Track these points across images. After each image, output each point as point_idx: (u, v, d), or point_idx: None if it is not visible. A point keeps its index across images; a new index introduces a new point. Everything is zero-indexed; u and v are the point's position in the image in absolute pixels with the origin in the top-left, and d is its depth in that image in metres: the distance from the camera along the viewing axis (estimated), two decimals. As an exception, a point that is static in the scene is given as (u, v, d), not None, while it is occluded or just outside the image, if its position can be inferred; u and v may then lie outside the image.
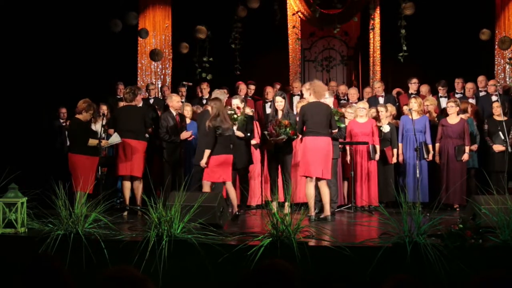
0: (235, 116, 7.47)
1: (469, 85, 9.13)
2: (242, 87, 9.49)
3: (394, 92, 9.81)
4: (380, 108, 8.33)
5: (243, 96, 8.42)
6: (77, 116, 7.19)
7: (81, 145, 7.02)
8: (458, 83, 9.33)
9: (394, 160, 8.14)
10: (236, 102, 7.70)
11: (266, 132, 7.43)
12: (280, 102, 7.44)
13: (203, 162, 6.87)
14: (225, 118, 6.94)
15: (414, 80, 9.48)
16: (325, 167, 6.78)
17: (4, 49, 9.27)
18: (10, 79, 9.36)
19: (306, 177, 6.84)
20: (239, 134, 7.49)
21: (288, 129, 7.23)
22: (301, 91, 9.98)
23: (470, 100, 8.97)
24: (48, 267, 2.39)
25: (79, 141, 7.04)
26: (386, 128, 8.10)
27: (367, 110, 8.12)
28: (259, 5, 10.07)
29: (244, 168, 7.72)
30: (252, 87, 9.76)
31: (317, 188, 7.08)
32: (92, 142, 7.10)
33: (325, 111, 6.87)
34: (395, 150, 8.14)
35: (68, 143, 8.17)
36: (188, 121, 8.21)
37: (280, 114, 7.43)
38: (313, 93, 6.87)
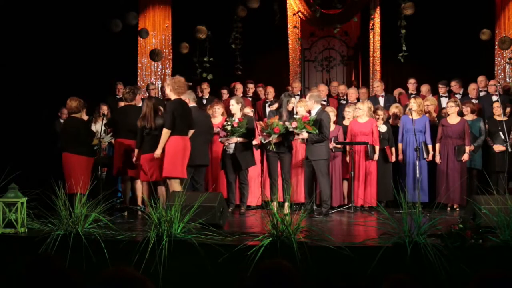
0: (229, 127, 7.35)
1: (472, 86, 9.09)
2: (238, 86, 9.50)
3: (396, 92, 9.81)
4: (379, 112, 8.31)
5: (240, 96, 8.41)
6: (74, 115, 6.97)
7: (81, 145, 6.90)
8: (453, 85, 9.30)
9: (393, 159, 8.14)
10: (232, 102, 7.69)
11: (261, 138, 7.41)
12: (292, 103, 7.41)
13: (133, 160, 7.15)
14: (153, 118, 6.99)
15: (412, 81, 9.50)
16: None
17: (4, 49, 9.27)
18: (10, 79, 9.36)
19: (172, 178, 6.55)
20: (240, 140, 7.43)
21: (273, 126, 7.15)
22: (300, 91, 10.05)
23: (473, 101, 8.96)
24: (48, 267, 2.39)
25: (80, 141, 6.89)
26: (382, 128, 8.10)
27: (365, 110, 8.10)
28: (259, 5, 10.06)
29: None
30: (251, 86, 9.75)
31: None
32: (94, 141, 7.11)
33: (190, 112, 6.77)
34: (393, 149, 8.15)
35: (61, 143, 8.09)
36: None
37: (284, 115, 7.39)
38: (173, 89, 6.57)
